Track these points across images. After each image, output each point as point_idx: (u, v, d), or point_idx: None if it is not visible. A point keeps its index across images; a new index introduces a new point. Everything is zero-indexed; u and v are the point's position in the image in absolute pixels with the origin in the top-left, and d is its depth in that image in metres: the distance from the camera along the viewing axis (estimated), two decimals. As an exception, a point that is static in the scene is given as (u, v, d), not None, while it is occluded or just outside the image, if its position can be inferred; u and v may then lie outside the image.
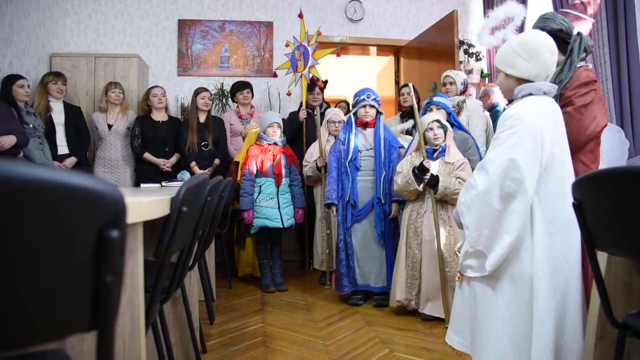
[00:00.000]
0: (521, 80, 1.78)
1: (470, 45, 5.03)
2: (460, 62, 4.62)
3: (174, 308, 2.15)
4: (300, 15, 4.26)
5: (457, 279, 1.92)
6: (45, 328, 0.54)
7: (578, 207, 1.31)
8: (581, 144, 2.04)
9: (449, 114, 3.19)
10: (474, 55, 5.02)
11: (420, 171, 2.88)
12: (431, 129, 2.98)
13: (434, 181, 2.85)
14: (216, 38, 5.24)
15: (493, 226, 1.67)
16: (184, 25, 5.19)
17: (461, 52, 4.81)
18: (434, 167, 2.94)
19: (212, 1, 5.25)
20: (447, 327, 2.64)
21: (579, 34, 2.13)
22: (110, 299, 0.56)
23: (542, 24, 2.18)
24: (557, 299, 1.64)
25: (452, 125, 3.16)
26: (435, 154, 2.98)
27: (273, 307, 3.28)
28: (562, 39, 2.12)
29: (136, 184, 4.17)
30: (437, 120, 2.99)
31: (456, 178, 2.86)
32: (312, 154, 3.98)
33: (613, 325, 1.29)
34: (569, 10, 2.60)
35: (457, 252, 1.95)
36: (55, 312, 0.54)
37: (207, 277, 2.92)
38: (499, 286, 1.71)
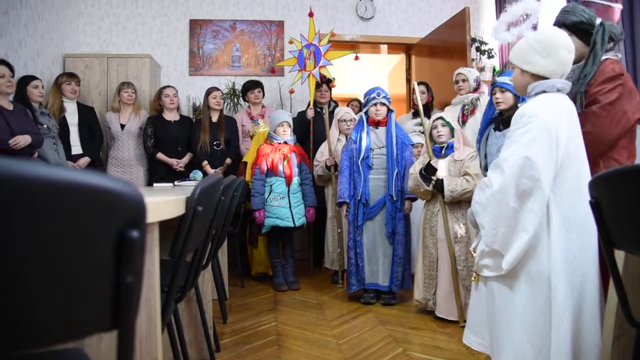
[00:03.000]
0: (536, 77, 1.76)
1: (482, 43, 4.98)
2: (472, 60, 4.59)
3: (188, 307, 2.16)
4: (311, 14, 4.25)
5: (473, 279, 1.91)
6: (68, 328, 0.54)
7: (595, 206, 1.30)
8: (612, 142, 1.97)
9: (517, 97, 2.65)
10: (486, 53, 4.97)
11: (427, 171, 2.88)
12: (435, 127, 2.97)
13: (440, 185, 2.84)
14: (227, 38, 5.26)
15: (509, 225, 1.65)
16: (195, 25, 5.22)
17: (473, 49, 4.77)
18: (443, 165, 2.92)
19: (223, 1, 5.27)
20: (462, 327, 2.64)
21: (601, 24, 2.04)
22: (130, 299, 0.57)
23: (562, 17, 2.12)
24: (574, 297, 1.62)
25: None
26: (443, 151, 2.97)
27: (285, 306, 3.29)
28: (585, 30, 2.05)
29: (149, 183, 4.20)
30: (441, 118, 2.98)
31: (463, 176, 2.83)
32: (323, 153, 3.98)
33: (631, 325, 1.27)
34: (593, 0, 2.49)
35: (472, 252, 1.94)
36: (77, 312, 0.54)
37: (220, 276, 2.93)
38: (516, 285, 1.69)
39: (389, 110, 3.38)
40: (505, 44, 4.75)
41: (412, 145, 3.42)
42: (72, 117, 4.01)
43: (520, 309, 1.68)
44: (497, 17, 4.87)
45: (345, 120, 3.92)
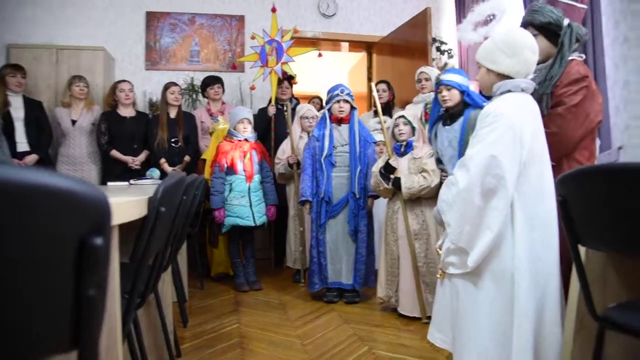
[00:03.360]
0: (501, 77, 1.78)
1: (442, 43, 5.06)
2: (433, 59, 4.64)
3: (146, 312, 2.06)
4: (274, 10, 4.19)
5: (438, 276, 1.92)
6: (22, 349, 0.47)
7: (563, 204, 1.32)
8: (576, 144, 2.01)
9: (462, 92, 2.62)
10: (446, 53, 5.05)
11: (386, 170, 2.90)
12: (397, 125, 2.99)
13: (398, 183, 2.87)
14: (186, 31, 5.10)
15: (474, 223, 1.67)
16: (152, 18, 5.03)
17: (433, 49, 4.83)
18: (403, 163, 2.94)
19: (181, -7, 5.11)
20: (424, 323, 2.66)
21: (569, 25, 2.07)
22: (93, 315, 0.50)
23: (530, 17, 2.14)
24: (537, 296, 1.65)
25: (466, 105, 2.60)
26: (402, 149, 2.99)
27: (248, 307, 3.22)
28: (552, 31, 2.08)
29: (102, 182, 4.01)
30: (403, 116, 3.00)
31: (421, 173, 2.85)
32: (284, 150, 3.93)
33: (594, 319, 1.30)
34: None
35: (438, 250, 1.95)
36: (33, 331, 0.47)
37: (180, 278, 2.83)
38: (480, 283, 1.71)
39: (352, 108, 3.37)
40: (465, 45, 4.84)
41: (375, 143, 3.42)
42: (17, 111, 3.79)
43: (485, 307, 1.70)
44: (457, 17, 4.95)
45: (307, 118, 3.88)
